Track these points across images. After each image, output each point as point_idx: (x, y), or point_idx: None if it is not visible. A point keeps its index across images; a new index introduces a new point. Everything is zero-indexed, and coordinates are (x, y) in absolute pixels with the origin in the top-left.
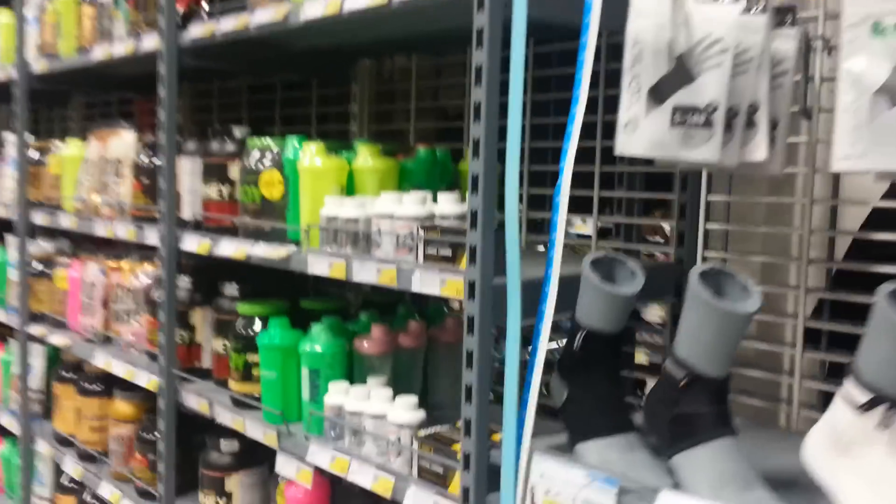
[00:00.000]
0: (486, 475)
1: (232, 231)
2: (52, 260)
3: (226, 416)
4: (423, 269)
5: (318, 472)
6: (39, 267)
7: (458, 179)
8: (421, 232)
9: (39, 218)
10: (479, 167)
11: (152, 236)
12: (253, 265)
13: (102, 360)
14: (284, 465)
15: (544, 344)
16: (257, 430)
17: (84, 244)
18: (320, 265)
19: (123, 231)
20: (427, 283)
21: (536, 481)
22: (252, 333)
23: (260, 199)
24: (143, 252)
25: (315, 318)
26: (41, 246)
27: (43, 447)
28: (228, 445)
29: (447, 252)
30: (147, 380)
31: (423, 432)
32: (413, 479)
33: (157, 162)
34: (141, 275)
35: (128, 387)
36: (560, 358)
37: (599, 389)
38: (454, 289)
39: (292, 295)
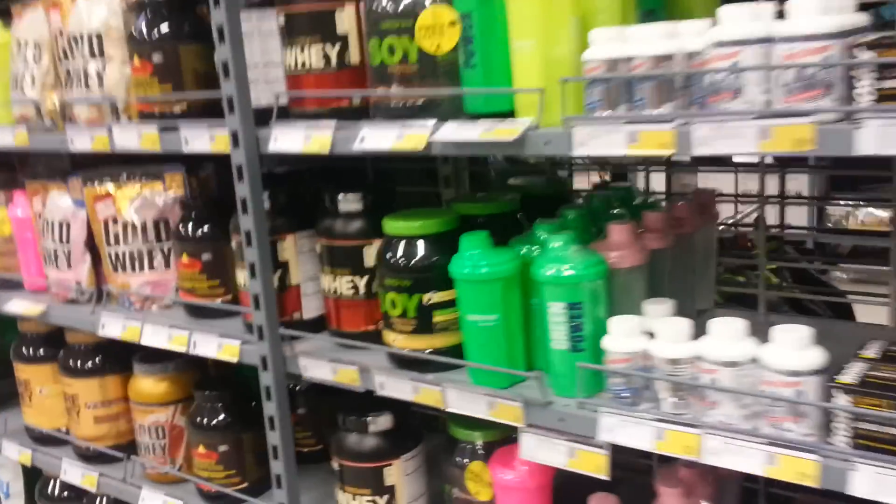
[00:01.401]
0: None
1: (345, 114)
2: None
3: (400, 387)
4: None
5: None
6: None
7: None
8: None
9: None
10: None
11: (199, 139)
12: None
13: (120, 328)
14: (541, 449)
15: None
16: (473, 402)
17: (28, 171)
18: (609, 141)
19: (130, 138)
20: None
21: None
22: (428, 261)
23: (416, 55)
24: (129, 169)
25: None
26: None
27: (8, 449)
28: (381, 423)
29: None
30: (217, 346)
31: (842, 379)
32: (853, 453)
33: (166, 29)
34: (147, 202)
35: (150, 357)
36: None
37: None
38: None
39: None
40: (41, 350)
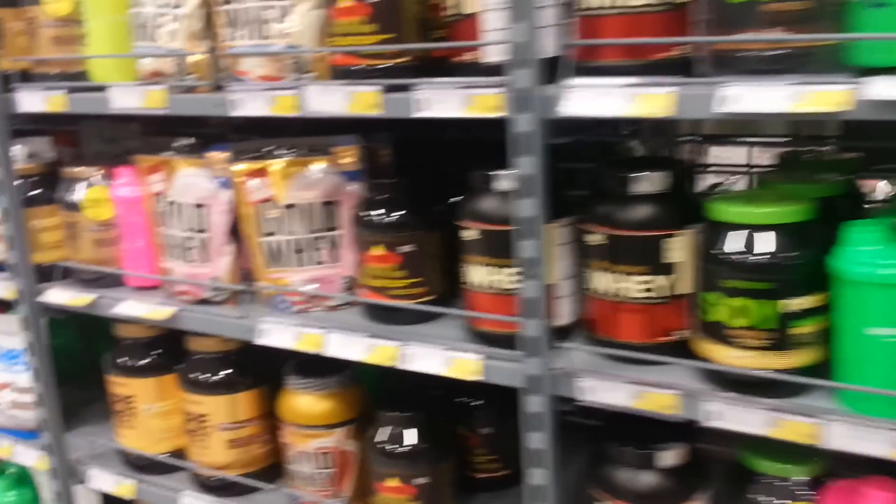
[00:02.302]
0: None
1: (660, 67)
2: (75, 175)
3: (747, 418)
4: None
5: None
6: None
7: None
8: None
9: (32, 101)
10: None
11: (443, 102)
12: None
13: (290, 336)
14: None
15: None
16: (872, 438)
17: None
18: None
19: (331, 100)
20: None
21: None
22: (793, 258)
23: None
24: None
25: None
26: (37, 147)
27: (100, 479)
28: (670, 457)
29: None
30: (444, 361)
31: None
32: None
33: None
34: (313, 180)
35: (304, 370)
36: None
37: None
38: None
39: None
40: (150, 359)
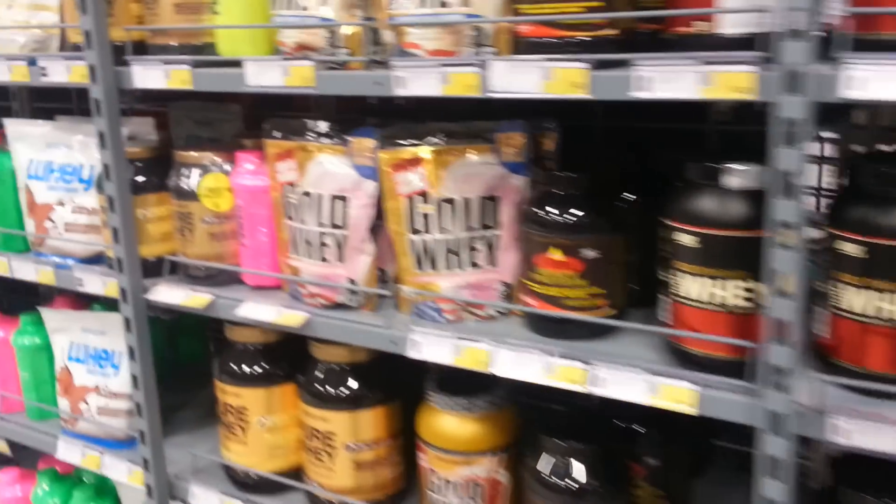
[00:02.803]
0: None
1: None
2: (189, 160)
3: None
4: None
5: None
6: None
7: None
8: None
9: (149, 77)
10: None
11: (672, 82)
12: None
13: (448, 349)
14: None
15: None
16: None
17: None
18: None
19: (523, 79)
20: None
21: None
22: None
23: None
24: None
25: None
26: (139, 128)
27: (204, 498)
28: None
29: None
30: (648, 388)
31: None
32: None
33: None
34: (473, 172)
35: (450, 386)
36: None
37: None
38: None
39: None
40: (268, 367)
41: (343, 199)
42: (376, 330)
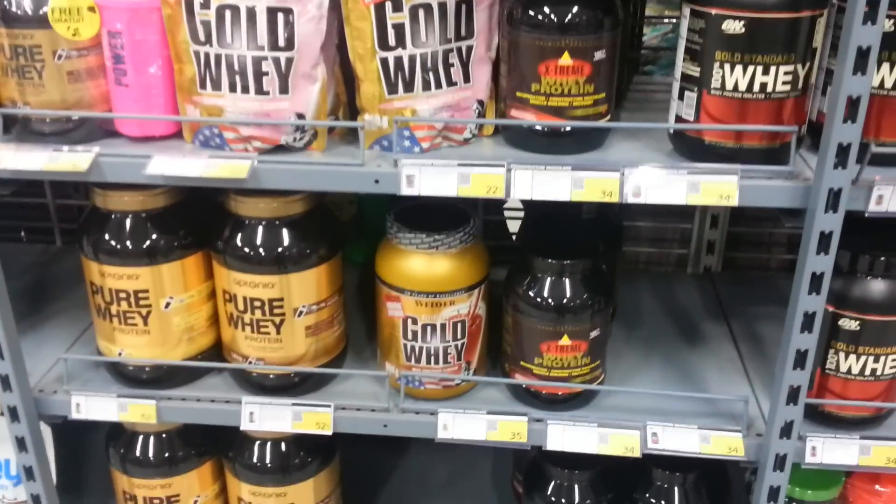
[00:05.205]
0: None
1: None
2: None
3: None
4: None
5: None
6: None
7: None
8: None
9: None
10: None
11: None
12: None
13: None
14: None
15: None
16: None
17: None
18: None
19: None
20: None
21: None
22: None
23: None
24: None
25: None
26: None
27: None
28: None
29: None
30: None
31: None
32: None
33: None
34: None
35: (414, 215)
36: None
37: None
38: None
39: None
40: (172, 235)
41: (285, 11)
42: (350, 169)
